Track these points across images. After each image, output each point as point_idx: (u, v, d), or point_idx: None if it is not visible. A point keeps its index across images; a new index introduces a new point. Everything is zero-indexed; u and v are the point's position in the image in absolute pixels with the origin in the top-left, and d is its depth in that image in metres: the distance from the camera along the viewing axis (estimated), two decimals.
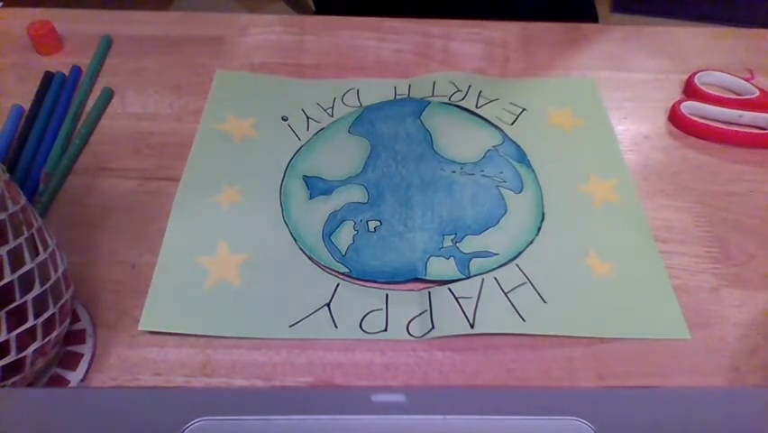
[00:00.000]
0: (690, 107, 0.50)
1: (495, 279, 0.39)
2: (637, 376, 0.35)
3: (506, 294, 0.39)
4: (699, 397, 0.28)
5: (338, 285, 0.39)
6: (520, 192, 0.45)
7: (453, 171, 0.46)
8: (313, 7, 0.84)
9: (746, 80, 0.52)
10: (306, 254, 0.41)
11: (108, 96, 0.51)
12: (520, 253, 0.41)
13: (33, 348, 0.30)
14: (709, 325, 0.38)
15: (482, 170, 0.46)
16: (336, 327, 0.37)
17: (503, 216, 0.43)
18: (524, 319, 0.37)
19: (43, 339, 0.30)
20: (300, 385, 0.35)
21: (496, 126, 0.49)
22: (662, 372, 0.36)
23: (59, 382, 0.34)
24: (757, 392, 0.28)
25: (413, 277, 0.39)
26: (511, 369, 0.36)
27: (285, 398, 0.27)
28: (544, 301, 0.38)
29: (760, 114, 0.49)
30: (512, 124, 0.50)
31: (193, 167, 0.46)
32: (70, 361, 0.35)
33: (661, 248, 0.41)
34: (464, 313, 0.38)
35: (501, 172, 0.46)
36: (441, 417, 0.26)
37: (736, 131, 0.49)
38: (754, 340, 0.37)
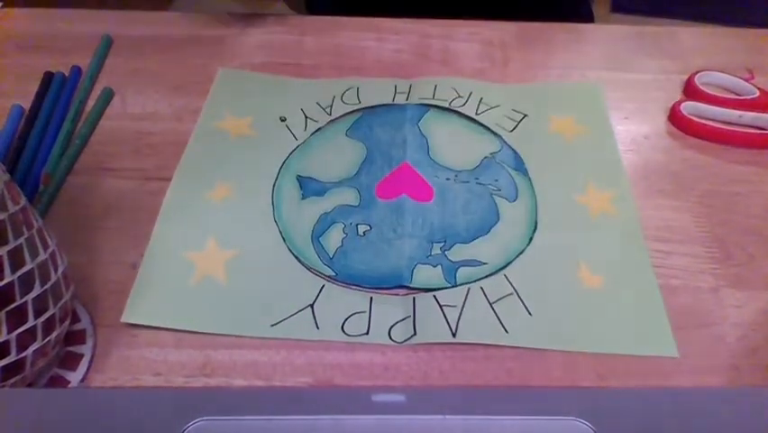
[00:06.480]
0: (690, 107, 0.50)
1: (481, 288, 0.39)
2: (637, 376, 0.35)
3: (491, 304, 0.38)
4: (699, 397, 0.28)
5: (323, 286, 0.39)
6: (514, 201, 0.44)
7: (447, 179, 0.45)
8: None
9: (746, 80, 0.52)
10: (293, 255, 0.40)
11: (108, 96, 0.51)
12: (509, 263, 0.40)
13: (33, 348, 0.30)
14: (709, 325, 0.38)
15: (477, 178, 0.45)
16: (318, 327, 0.37)
17: (495, 224, 0.42)
18: (507, 331, 0.37)
19: (43, 339, 0.30)
20: (300, 385, 0.35)
21: (495, 133, 0.49)
22: (662, 372, 0.36)
23: (59, 382, 0.34)
24: (757, 392, 0.28)
25: (398, 284, 0.39)
26: (511, 369, 0.36)
27: (285, 398, 0.27)
28: (530, 314, 0.38)
29: (760, 114, 0.49)
30: (512, 130, 0.49)
31: (187, 162, 0.46)
32: (70, 361, 0.35)
33: (660, 248, 0.41)
34: (447, 321, 0.37)
35: (496, 180, 0.45)
36: (441, 417, 0.26)
37: (736, 131, 0.49)
38: (753, 340, 0.37)
